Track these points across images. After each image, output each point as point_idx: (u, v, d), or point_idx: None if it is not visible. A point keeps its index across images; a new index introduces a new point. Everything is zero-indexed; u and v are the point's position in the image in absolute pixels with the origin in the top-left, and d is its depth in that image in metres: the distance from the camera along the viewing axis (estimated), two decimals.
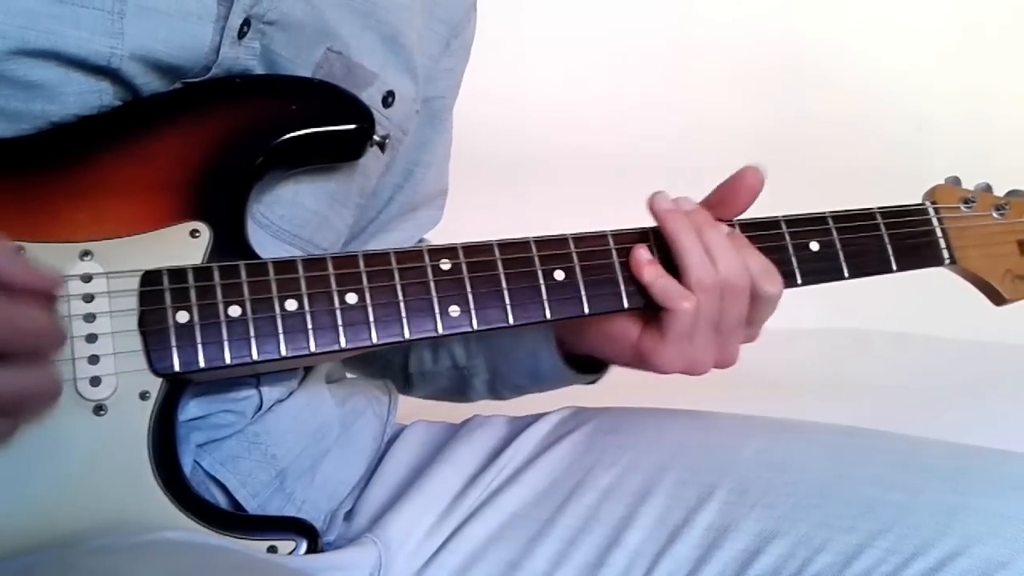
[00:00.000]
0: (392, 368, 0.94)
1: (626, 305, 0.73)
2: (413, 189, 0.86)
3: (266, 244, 0.70)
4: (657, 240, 0.74)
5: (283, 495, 0.72)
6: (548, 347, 0.83)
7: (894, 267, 0.81)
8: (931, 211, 0.84)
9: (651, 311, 0.74)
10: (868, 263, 0.79)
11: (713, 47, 2.08)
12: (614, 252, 0.73)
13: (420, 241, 0.88)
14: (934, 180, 0.89)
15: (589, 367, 0.85)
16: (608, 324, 0.77)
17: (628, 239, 0.74)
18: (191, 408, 0.68)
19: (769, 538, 0.69)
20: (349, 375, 0.88)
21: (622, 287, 0.73)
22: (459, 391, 0.92)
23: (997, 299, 0.87)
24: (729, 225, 0.76)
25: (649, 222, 0.75)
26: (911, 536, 0.66)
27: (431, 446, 0.85)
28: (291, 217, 0.72)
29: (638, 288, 0.73)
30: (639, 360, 0.76)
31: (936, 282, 0.89)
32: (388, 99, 0.76)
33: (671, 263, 0.73)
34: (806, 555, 0.68)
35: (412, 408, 0.97)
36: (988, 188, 0.89)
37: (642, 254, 0.73)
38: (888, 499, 0.69)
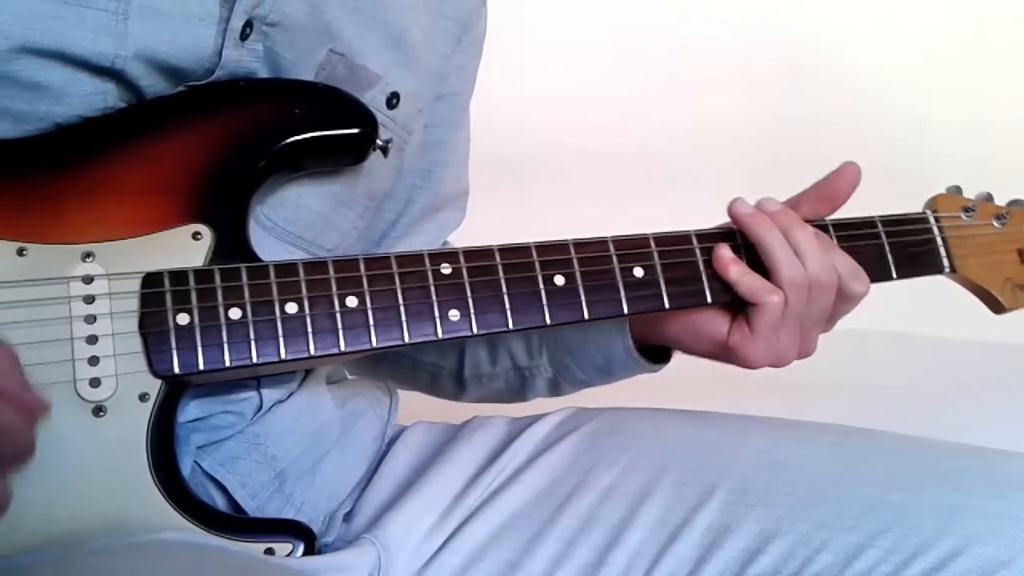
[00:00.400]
0: (440, 374, 0.93)
1: (626, 311, 0.73)
2: (433, 190, 0.86)
3: (270, 246, 0.70)
4: (659, 245, 0.75)
5: (282, 496, 0.72)
6: (623, 339, 0.83)
7: (894, 275, 0.82)
8: (931, 219, 0.84)
9: (738, 308, 0.76)
10: (868, 270, 0.79)
11: (714, 47, 2.08)
12: (615, 258, 0.73)
13: (444, 243, 0.88)
14: (934, 180, 0.89)
15: (657, 356, 0.86)
16: (695, 319, 0.79)
17: (629, 245, 0.74)
18: (191, 409, 0.68)
19: (769, 538, 0.69)
20: (350, 376, 0.88)
21: (623, 293, 0.73)
22: (518, 391, 0.92)
23: (996, 308, 0.87)
24: (819, 227, 0.79)
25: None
26: (911, 536, 0.66)
27: (431, 447, 0.85)
28: (295, 219, 0.72)
29: (638, 295, 0.73)
30: (727, 354, 0.78)
31: (936, 283, 0.89)
32: (392, 100, 0.76)
33: (754, 262, 0.76)
34: (806, 555, 0.68)
35: (413, 409, 0.97)
36: (989, 197, 0.89)
37: (725, 252, 0.76)
38: (888, 499, 0.69)
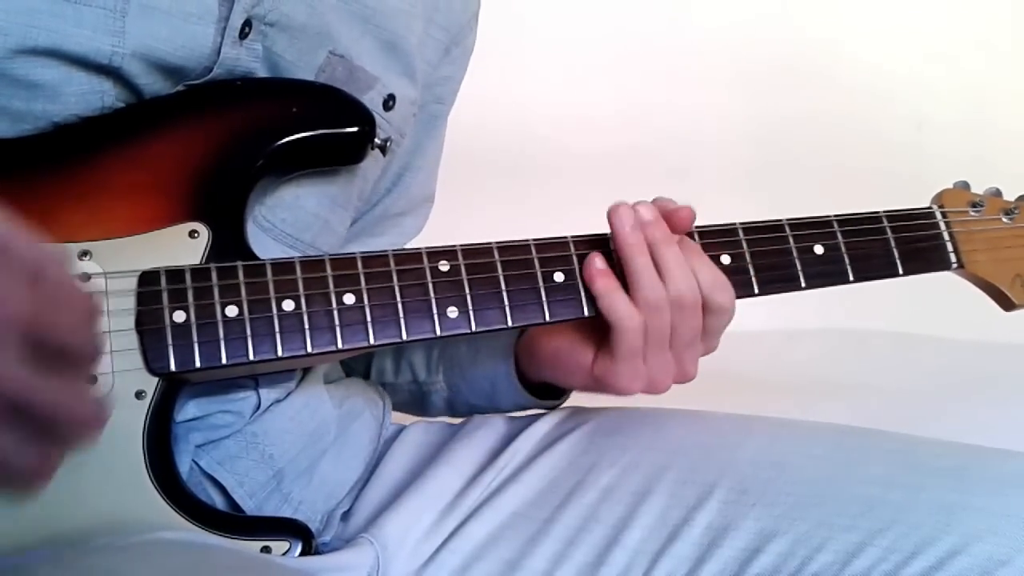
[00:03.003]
0: (354, 375, 0.93)
1: None
2: (400, 193, 0.86)
3: (268, 247, 0.70)
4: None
5: (280, 495, 0.72)
6: (507, 372, 0.83)
7: (900, 271, 0.80)
8: (938, 215, 0.83)
9: (602, 334, 0.73)
10: (874, 267, 0.79)
11: (713, 47, 2.08)
12: (613, 254, 0.73)
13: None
14: (934, 180, 0.88)
15: (550, 392, 0.85)
16: (561, 349, 0.77)
17: None
18: (189, 408, 0.68)
19: (769, 537, 0.69)
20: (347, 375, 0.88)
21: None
22: (418, 405, 0.92)
23: (1006, 304, 0.85)
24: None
25: None
26: (911, 534, 0.66)
27: (430, 446, 0.85)
28: (293, 220, 0.72)
29: None
30: (597, 383, 0.76)
31: (936, 283, 0.89)
32: (389, 102, 0.76)
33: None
34: (806, 554, 0.68)
35: None
36: (998, 192, 0.87)
37: (596, 262, 0.72)
38: (888, 498, 0.69)
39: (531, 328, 0.79)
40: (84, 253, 0.62)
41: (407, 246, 0.86)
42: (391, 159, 0.81)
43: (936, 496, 0.68)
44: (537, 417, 0.85)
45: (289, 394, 0.74)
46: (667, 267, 0.72)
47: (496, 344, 0.84)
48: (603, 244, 0.73)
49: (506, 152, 1.82)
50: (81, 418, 0.45)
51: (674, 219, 0.73)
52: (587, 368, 0.76)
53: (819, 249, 0.77)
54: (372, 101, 0.74)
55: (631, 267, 0.72)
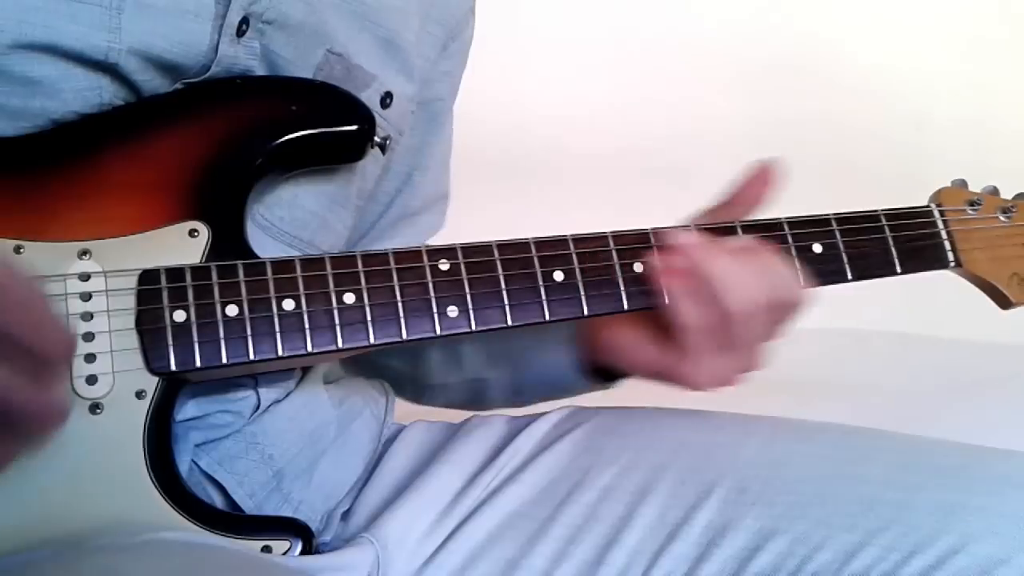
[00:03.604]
0: (401, 379, 0.93)
1: (626, 307, 0.73)
2: (412, 193, 0.86)
3: (266, 246, 0.70)
4: (659, 241, 0.74)
5: (280, 495, 0.72)
6: (573, 362, 0.83)
7: (898, 269, 0.80)
8: (936, 213, 0.83)
9: (667, 332, 0.74)
10: (872, 265, 0.79)
11: (713, 47, 2.08)
12: (614, 253, 0.73)
13: None
14: (934, 180, 0.88)
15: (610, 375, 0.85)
16: (621, 342, 0.78)
17: (628, 240, 0.74)
18: (189, 408, 0.68)
19: (768, 536, 0.69)
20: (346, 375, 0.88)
21: (622, 289, 0.73)
22: (476, 402, 0.92)
23: (1003, 303, 0.85)
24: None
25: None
26: (910, 534, 0.66)
27: (430, 446, 0.85)
28: (291, 219, 0.72)
29: (638, 290, 0.73)
30: (662, 378, 0.77)
31: (936, 282, 0.89)
32: (386, 100, 0.76)
33: None
34: (805, 553, 0.68)
35: (412, 408, 0.97)
36: (995, 191, 0.87)
37: (673, 261, 0.72)
38: (887, 497, 0.69)
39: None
40: (84, 252, 0.62)
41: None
42: (394, 157, 0.81)
43: (935, 496, 0.68)
44: (537, 417, 0.85)
45: (289, 394, 0.74)
46: (721, 284, 0.71)
47: (560, 335, 0.84)
48: (602, 242, 0.73)
49: (506, 152, 1.82)
50: (33, 415, 0.47)
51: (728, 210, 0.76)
52: (652, 364, 0.76)
53: (817, 248, 0.77)
54: (370, 99, 0.74)
55: (702, 271, 0.71)
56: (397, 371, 0.93)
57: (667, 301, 0.72)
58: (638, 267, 0.73)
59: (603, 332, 0.80)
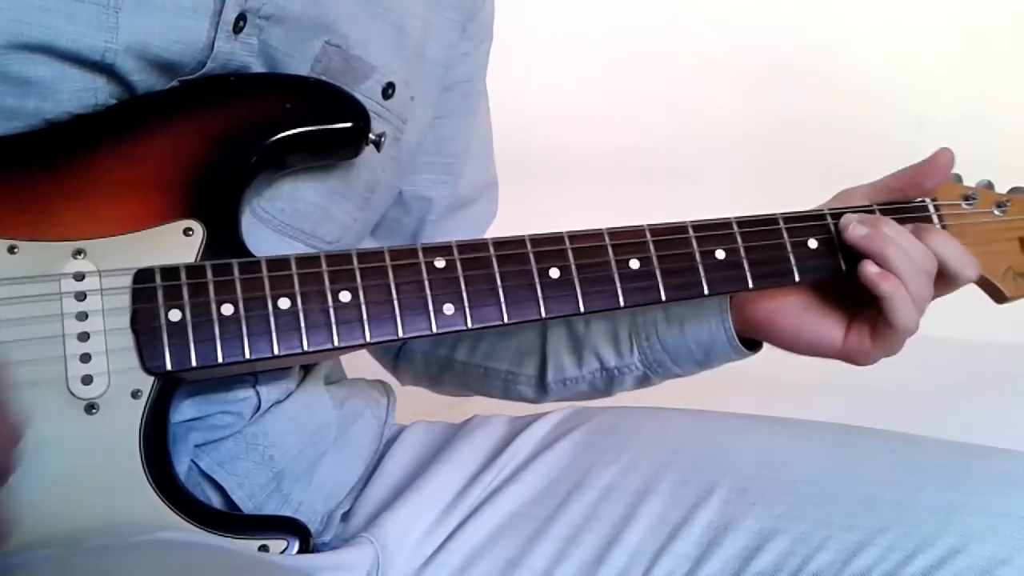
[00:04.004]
0: (515, 381, 0.92)
1: (622, 304, 0.72)
2: (456, 182, 0.86)
3: (268, 238, 0.70)
4: (655, 236, 0.74)
5: (280, 496, 0.72)
6: (725, 337, 0.83)
7: None
8: (931, 208, 0.83)
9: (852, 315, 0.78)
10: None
11: (714, 47, 2.08)
12: (610, 249, 0.73)
13: None
14: None
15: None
16: (810, 330, 0.79)
17: (624, 236, 0.74)
18: (189, 409, 0.68)
19: (769, 536, 0.69)
20: (349, 377, 0.87)
21: (618, 285, 0.72)
22: (603, 390, 0.90)
23: (998, 297, 0.85)
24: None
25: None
26: (911, 534, 0.66)
27: (431, 447, 0.84)
28: (292, 211, 0.71)
29: (634, 286, 0.72)
30: (838, 355, 0.79)
31: None
32: (388, 91, 0.75)
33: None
34: (806, 553, 0.68)
35: (412, 408, 0.97)
36: (990, 185, 0.87)
37: (873, 268, 0.74)
38: (888, 497, 0.69)
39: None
40: (78, 252, 0.61)
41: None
42: (400, 146, 0.80)
43: (936, 495, 0.68)
44: (537, 417, 0.84)
45: (289, 395, 0.73)
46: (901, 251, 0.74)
47: (702, 312, 0.83)
48: (598, 239, 0.73)
49: (506, 152, 1.82)
50: None
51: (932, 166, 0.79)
52: (833, 344, 0.79)
53: (813, 243, 0.77)
54: (371, 90, 0.73)
55: (926, 271, 0.75)
56: (512, 374, 0.92)
57: (886, 305, 0.74)
58: (633, 263, 0.73)
59: (754, 305, 0.80)
